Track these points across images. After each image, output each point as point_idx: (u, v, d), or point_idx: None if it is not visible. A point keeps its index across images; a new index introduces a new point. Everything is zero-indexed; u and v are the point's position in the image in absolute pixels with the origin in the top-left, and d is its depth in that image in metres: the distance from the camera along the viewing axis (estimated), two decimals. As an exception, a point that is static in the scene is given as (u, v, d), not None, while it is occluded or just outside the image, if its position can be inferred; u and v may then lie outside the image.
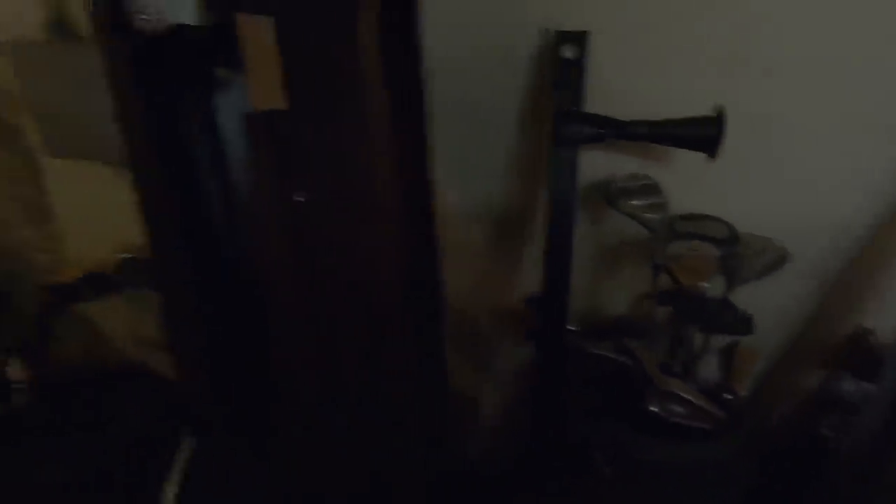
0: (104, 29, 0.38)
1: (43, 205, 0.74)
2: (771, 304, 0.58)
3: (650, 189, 0.55)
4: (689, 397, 0.55)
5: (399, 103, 0.37)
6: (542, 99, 0.58)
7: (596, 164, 0.60)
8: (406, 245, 0.40)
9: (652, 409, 0.54)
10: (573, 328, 0.65)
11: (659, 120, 0.52)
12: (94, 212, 0.75)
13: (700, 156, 0.51)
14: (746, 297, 0.54)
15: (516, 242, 0.71)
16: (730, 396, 0.56)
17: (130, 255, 0.65)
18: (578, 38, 0.54)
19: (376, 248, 0.40)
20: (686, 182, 0.57)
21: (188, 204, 0.42)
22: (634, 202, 0.55)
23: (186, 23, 0.36)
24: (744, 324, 0.55)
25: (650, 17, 0.54)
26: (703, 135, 0.50)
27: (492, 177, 0.64)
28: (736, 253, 0.52)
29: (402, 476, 0.49)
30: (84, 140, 0.62)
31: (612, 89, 0.55)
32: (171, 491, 0.72)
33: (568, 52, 0.54)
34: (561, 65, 0.54)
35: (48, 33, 0.59)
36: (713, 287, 0.51)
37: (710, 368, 0.60)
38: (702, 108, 0.51)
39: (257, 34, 0.43)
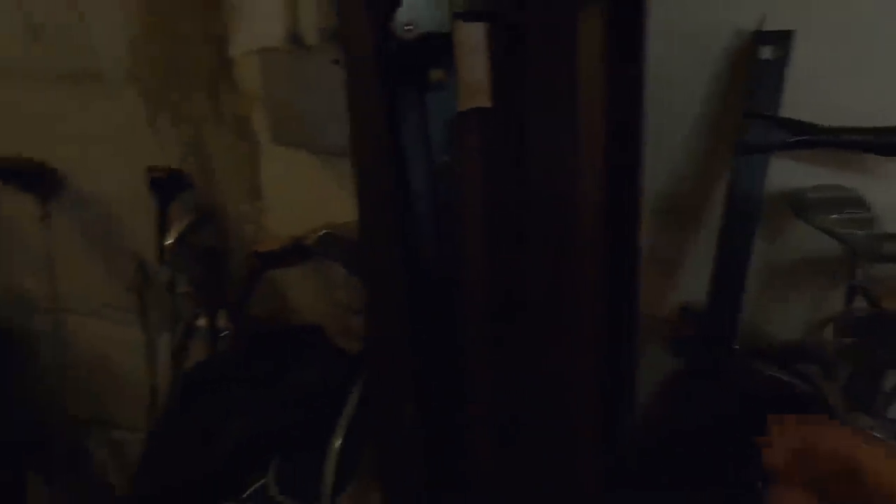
0: (357, 38, 0.46)
1: (257, 183, 0.89)
2: None
3: (853, 202, 0.52)
4: (880, 436, 0.52)
5: (615, 105, 0.40)
6: (733, 101, 0.58)
7: (782, 172, 0.58)
8: (609, 252, 0.43)
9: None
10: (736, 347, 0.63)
11: (875, 127, 0.49)
12: (297, 193, 0.89)
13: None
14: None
15: (679, 247, 0.70)
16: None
17: (328, 231, 0.76)
18: (780, 38, 0.53)
19: (580, 252, 0.42)
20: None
21: (403, 196, 0.48)
22: (833, 216, 0.52)
23: (437, 31, 0.42)
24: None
25: (862, 14, 0.51)
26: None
27: (665, 176, 0.64)
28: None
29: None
30: (301, 132, 0.74)
31: (814, 92, 0.53)
32: (337, 440, 0.82)
33: (767, 53, 0.53)
34: (758, 66, 0.53)
35: (286, 43, 0.72)
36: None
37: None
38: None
39: (470, 38, 0.49)
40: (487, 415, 0.54)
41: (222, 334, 1.00)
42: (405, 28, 0.38)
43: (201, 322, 1.01)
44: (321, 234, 0.75)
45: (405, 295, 0.49)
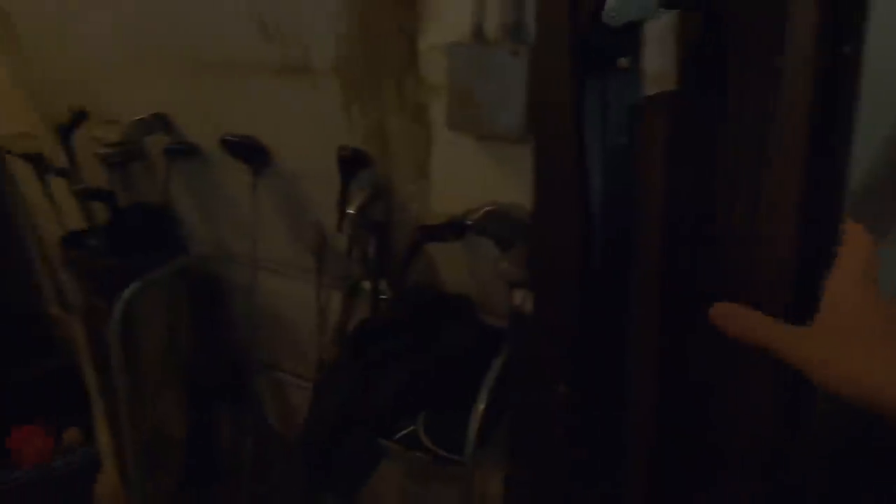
0: (553, 25, 0.51)
1: (426, 165, 1.00)
2: None
3: None
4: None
5: (824, 90, 0.39)
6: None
7: None
8: (801, 247, 0.42)
9: None
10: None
11: None
12: (460, 175, 0.98)
13: None
14: None
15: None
16: None
17: (491, 209, 0.83)
18: None
19: (770, 246, 0.42)
20: None
21: (580, 176, 0.51)
22: None
23: (642, 18, 0.46)
24: None
25: None
26: None
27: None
28: None
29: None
30: (475, 119, 0.82)
31: None
32: (481, 405, 0.90)
33: None
34: None
35: (471, 38, 0.80)
36: None
37: None
38: None
39: (664, 25, 0.51)
40: (649, 409, 0.55)
41: (382, 297, 1.14)
42: (611, 15, 0.42)
43: (366, 285, 1.15)
44: (485, 211, 0.83)
45: (577, 275, 0.53)
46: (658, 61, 0.50)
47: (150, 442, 1.37)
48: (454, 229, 0.96)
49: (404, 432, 0.92)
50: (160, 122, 1.25)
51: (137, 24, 1.15)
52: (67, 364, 1.80)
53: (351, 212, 1.03)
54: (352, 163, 1.04)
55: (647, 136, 0.47)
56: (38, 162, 1.27)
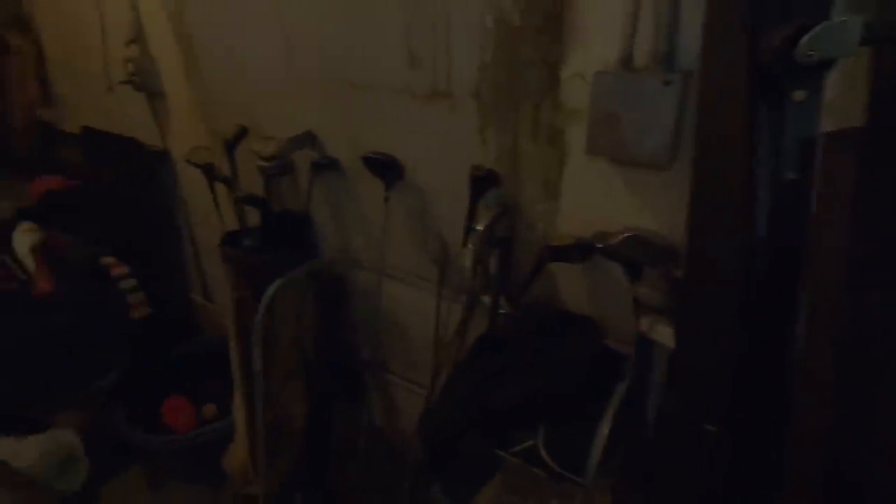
0: (729, 59, 0.52)
1: (557, 187, 1.03)
2: None
3: None
4: None
5: None
6: None
7: None
8: None
9: None
10: None
11: None
12: (589, 198, 1.00)
13: None
14: None
15: None
16: None
17: (633, 234, 0.84)
18: None
19: None
20: None
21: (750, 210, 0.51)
22: None
23: (841, 57, 0.46)
24: None
25: None
26: None
27: None
28: None
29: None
30: (617, 144, 0.84)
31: None
32: (605, 427, 0.90)
33: None
34: None
35: (617, 66, 0.82)
36: None
37: None
38: None
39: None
40: (814, 458, 0.52)
41: (501, 312, 1.18)
42: (808, 54, 0.43)
43: (485, 299, 1.20)
44: (625, 236, 0.84)
45: (737, 313, 0.52)
46: (844, 96, 0.49)
47: (275, 424, 1.52)
48: (582, 251, 0.98)
49: (522, 446, 0.94)
50: (309, 139, 1.40)
51: (300, 52, 1.31)
52: (206, 346, 2.04)
53: (478, 228, 1.09)
54: (483, 182, 1.10)
55: (828, 175, 0.47)
56: (208, 171, 1.48)
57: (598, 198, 0.98)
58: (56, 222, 1.99)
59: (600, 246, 0.92)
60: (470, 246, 1.14)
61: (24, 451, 1.63)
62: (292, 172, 1.50)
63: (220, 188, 1.57)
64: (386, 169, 1.26)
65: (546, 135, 1.00)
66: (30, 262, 1.79)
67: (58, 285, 1.75)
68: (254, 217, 1.54)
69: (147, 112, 1.87)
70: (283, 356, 1.49)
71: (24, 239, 1.83)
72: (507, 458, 0.94)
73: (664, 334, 0.81)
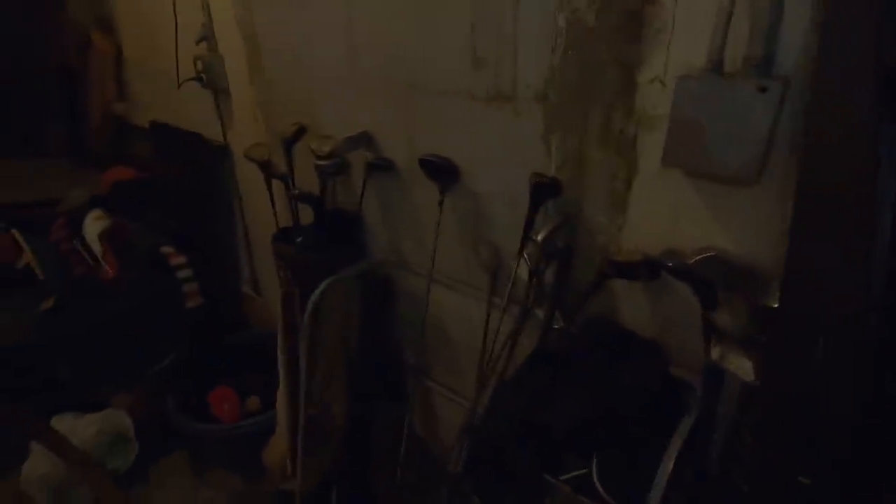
0: (849, 69, 0.46)
1: (624, 199, 0.97)
2: None
3: None
4: None
5: None
6: None
7: None
8: None
9: None
10: None
11: None
12: (660, 213, 0.93)
13: None
14: None
15: None
16: None
17: (714, 255, 0.77)
18: None
19: None
20: None
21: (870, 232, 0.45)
22: None
23: None
24: None
25: None
26: None
27: None
28: None
29: None
30: (697, 155, 0.77)
31: None
32: (670, 462, 0.83)
33: None
34: None
35: (704, 71, 0.76)
36: None
37: None
38: None
39: None
40: None
41: (554, 326, 1.12)
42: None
43: (539, 312, 1.15)
44: (704, 256, 0.77)
45: (852, 350, 0.46)
46: None
47: (316, 422, 1.51)
48: (649, 269, 0.92)
49: (573, 474, 0.89)
50: (365, 139, 1.39)
51: (364, 52, 1.30)
52: (254, 339, 2.08)
53: (537, 239, 1.04)
54: (544, 189, 1.05)
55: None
56: (266, 167, 1.50)
57: (669, 212, 0.91)
58: (124, 211, 2.08)
59: (671, 265, 0.85)
60: (526, 256, 1.10)
61: (80, 429, 1.70)
62: (347, 172, 1.49)
63: (277, 184, 1.59)
64: (441, 172, 1.23)
65: (616, 142, 0.94)
66: (97, 248, 1.87)
67: (121, 272, 1.82)
68: (307, 214, 1.54)
69: (212, 108, 1.92)
70: (327, 354, 1.48)
71: (94, 226, 1.92)
72: (557, 483, 0.89)
73: (741, 366, 0.74)
